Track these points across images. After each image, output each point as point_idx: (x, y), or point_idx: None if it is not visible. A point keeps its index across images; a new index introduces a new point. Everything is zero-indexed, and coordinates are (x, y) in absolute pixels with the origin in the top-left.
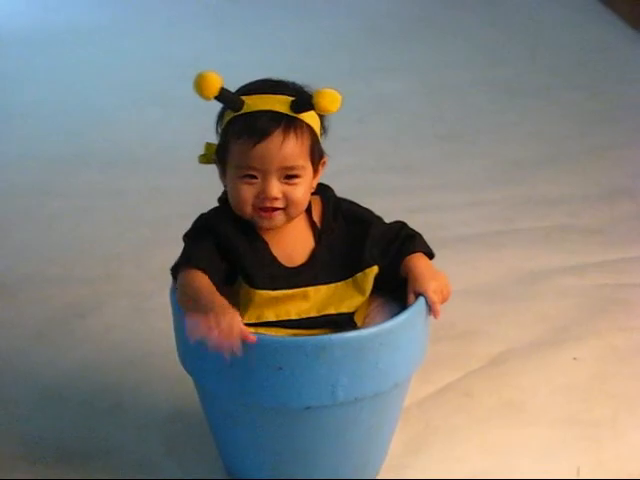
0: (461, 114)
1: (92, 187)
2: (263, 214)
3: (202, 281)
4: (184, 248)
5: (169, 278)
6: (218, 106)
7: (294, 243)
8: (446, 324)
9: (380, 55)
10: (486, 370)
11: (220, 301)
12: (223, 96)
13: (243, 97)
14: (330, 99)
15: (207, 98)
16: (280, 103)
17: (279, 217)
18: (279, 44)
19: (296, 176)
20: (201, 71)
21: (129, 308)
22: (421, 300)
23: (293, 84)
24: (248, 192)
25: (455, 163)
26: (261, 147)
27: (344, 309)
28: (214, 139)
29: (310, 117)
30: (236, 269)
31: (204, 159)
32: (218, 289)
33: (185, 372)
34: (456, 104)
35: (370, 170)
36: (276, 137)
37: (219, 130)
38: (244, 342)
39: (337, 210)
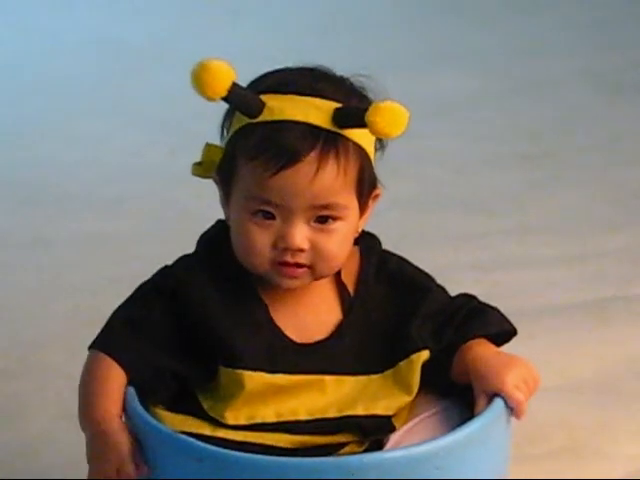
0: (555, 119)
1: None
2: (283, 270)
3: (106, 381)
4: (116, 312)
5: None
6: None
7: (311, 310)
8: (537, 436)
9: (434, 41)
10: None
11: (109, 423)
12: (234, 96)
13: (264, 97)
14: (391, 118)
15: (212, 98)
16: (318, 111)
17: (304, 277)
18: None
19: (333, 218)
20: (204, 60)
21: (55, 420)
22: (498, 403)
23: (342, 80)
24: (262, 238)
25: (546, 195)
26: (286, 176)
27: (379, 410)
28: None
29: (361, 132)
30: (213, 351)
31: (200, 170)
32: (154, 394)
33: None
34: (549, 104)
35: (420, 206)
36: (309, 163)
37: (224, 134)
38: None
39: (381, 269)
